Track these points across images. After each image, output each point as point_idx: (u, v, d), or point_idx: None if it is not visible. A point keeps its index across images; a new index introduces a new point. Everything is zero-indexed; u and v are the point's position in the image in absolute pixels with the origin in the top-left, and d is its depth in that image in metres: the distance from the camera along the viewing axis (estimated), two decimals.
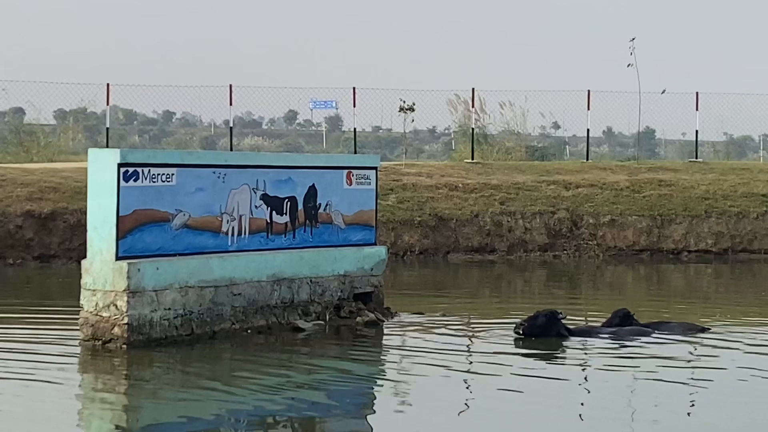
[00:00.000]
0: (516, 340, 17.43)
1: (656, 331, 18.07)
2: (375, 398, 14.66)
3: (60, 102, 38.99)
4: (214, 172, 17.85)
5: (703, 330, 18.47)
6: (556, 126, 42.46)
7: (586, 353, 16.92)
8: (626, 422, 12.80)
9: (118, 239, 16.30)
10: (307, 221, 19.14)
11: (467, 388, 14.75)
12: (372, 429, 12.87)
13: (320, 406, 13.68)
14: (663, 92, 41.34)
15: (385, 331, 18.92)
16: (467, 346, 17.99)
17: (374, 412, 13.67)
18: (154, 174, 16.80)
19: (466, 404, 13.86)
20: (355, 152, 35.04)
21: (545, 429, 12.58)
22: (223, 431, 12.53)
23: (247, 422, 12.81)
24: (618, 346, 17.21)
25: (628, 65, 41.81)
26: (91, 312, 16.54)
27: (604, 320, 18.69)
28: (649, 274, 28.61)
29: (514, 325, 17.84)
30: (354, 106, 37.00)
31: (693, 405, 13.79)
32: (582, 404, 13.90)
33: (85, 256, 16.85)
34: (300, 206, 19.03)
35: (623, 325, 18.21)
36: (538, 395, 14.27)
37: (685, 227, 31.52)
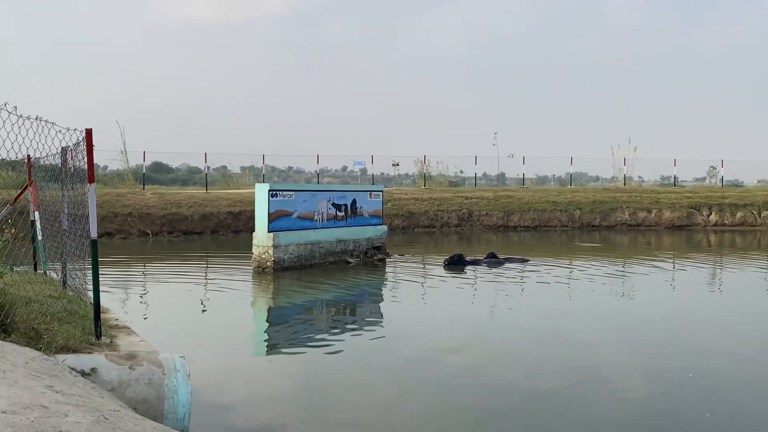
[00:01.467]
0: (444, 266, 17.36)
1: (507, 261, 18.01)
2: (382, 291, 14.69)
3: (242, 162, 39.38)
4: (311, 193, 18.05)
5: (527, 261, 18.42)
6: (462, 171, 43.01)
7: (474, 271, 16.65)
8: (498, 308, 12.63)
9: (269, 222, 16.62)
10: (352, 214, 19.19)
11: (421, 288, 14.63)
12: (382, 305, 13.16)
13: (357, 296, 13.86)
14: (511, 156, 42.33)
15: (387, 262, 18.85)
16: (423, 270, 17.68)
17: (383, 300, 13.64)
18: (284, 194, 17.04)
19: (422, 296, 13.83)
20: (373, 183, 35.62)
21: (462, 305, 12.56)
22: (315, 309, 12.35)
23: (325, 304, 12.77)
24: (488, 269, 17.01)
25: (494, 144, 43.29)
26: (257, 255, 16.81)
27: (483, 256, 18.49)
28: (503, 237, 27.71)
29: (443, 260, 17.90)
30: (372, 164, 37.27)
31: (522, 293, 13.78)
32: (474, 291, 14.02)
33: (254, 231, 17.07)
34: (349, 208, 19.12)
35: (492, 258, 18.18)
36: (448, 288, 14.31)
37: (519, 215, 31.18)
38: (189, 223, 27.43)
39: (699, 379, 7.83)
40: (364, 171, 41.16)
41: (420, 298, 13.54)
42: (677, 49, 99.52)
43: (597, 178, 48.39)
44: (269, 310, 12.71)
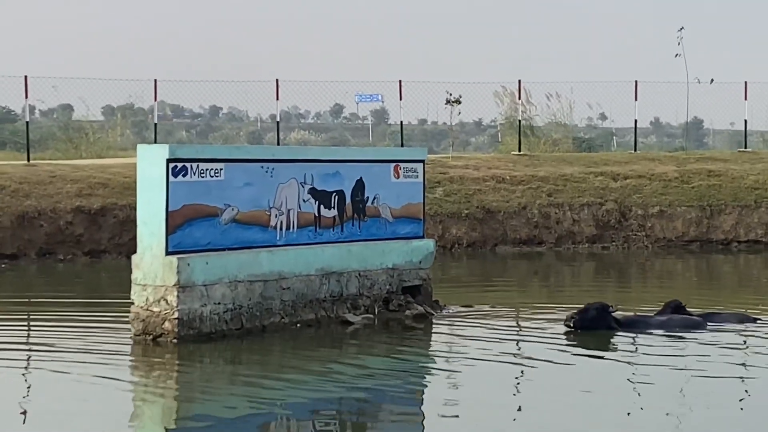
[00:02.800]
0: (567, 333, 17.43)
1: (708, 322, 17.96)
2: (424, 393, 14.68)
3: (108, 98, 39.42)
4: (262, 167, 17.96)
5: (755, 320, 18.35)
6: (603, 117, 42.38)
7: (635, 344, 16.77)
8: (675, 421, 12.64)
9: (167, 234, 16.43)
10: (355, 215, 19.15)
11: (517, 383, 14.74)
12: (423, 429, 12.89)
13: (370, 403, 13.75)
14: (711, 82, 41.11)
15: (434, 323, 18.91)
16: (517, 339, 17.97)
17: (423, 408, 13.70)
18: (202, 169, 16.91)
19: (515, 399, 13.86)
20: (402, 145, 35.09)
21: (593, 424, 12.54)
22: (273, 426, 12.54)
23: (297, 417, 12.79)
24: (669, 339, 17.06)
25: (676, 55, 41.66)
26: (141, 307, 16.69)
27: (654, 312, 18.55)
28: (699, 265, 28.52)
29: (565, 318, 17.82)
30: (400, 99, 37.07)
31: (743, 399, 13.69)
32: (633, 401, 13.77)
33: (135, 252, 16.95)
34: (348, 200, 19.05)
35: (675, 313, 18.15)
36: (587, 389, 14.25)
37: (734, 217, 31.37)
38: None
39: None
40: (380, 116, 40.55)
41: (508, 412, 13.16)
42: None
43: None
44: None
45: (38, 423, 12.95)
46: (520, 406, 13.47)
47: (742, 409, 13.13)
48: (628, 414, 12.93)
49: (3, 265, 26.60)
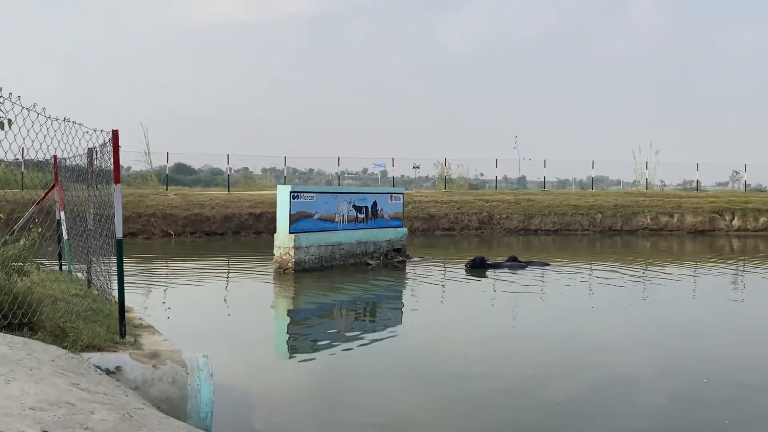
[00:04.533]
0: (465, 270, 17.28)
1: (528, 265, 17.87)
2: (402, 294, 14.77)
3: (264, 164, 39.53)
4: (332, 195, 18.08)
5: (548, 264, 18.20)
6: (482, 174, 42.94)
7: (496, 274, 16.57)
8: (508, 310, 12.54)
9: (290, 224, 16.62)
10: (372, 216, 19.18)
11: (443, 291, 14.67)
12: (402, 312, 13.03)
13: (378, 298, 13.98)
14: (529, 159, 42.26)
15: (408, 264, 18.76)
16: (444, 273, 17.60)
17: (403, 303, 13.69)
18: (305, 196, 17.05)
19: (444, 297, 13.96)
20: (393, 186, 35.62)
21: (477, 310, 12.55)
22: (335, 310, 12.48)
23: (346, 307, 12.82)
24: (510, 272, 16.88)
25: (514, 147, 43.32)
26: (278, 256, 16.84)
27: (504, 259, 18.34)
28: (524, 241, 27.62)
29: (465, 263, 17.81)
30: (393, 166, 37.02)
31: (543, 301, 13.52)
32: (494, 295, 13.97)
33: (275, 232, 17.09)
34: (369, 210, 19.09)
35: (514, 261, 18.10)
36: (471, 293, 14.33)
37: (539, 219, 30.98)
38: (211, 224, 27.64)
39: (715, 386, 7.74)
40: (384, 173, 41.12)
41: (441, 301, 13.62)
42: (699, 52, 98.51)
43: (618, 182, 47.90)
44: (290, 311, 12.78)
45: (231, 301, 13.23)
46: (442, 299, 13.75)
47: (542, 304, 13.04)
48: (492, 304, 13.09)
49: (217, 238, 26.45)
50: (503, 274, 16.72)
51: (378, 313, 12.47)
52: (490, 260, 17.99)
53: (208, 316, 11.44)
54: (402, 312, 12.57)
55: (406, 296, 14.36)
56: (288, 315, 12.32)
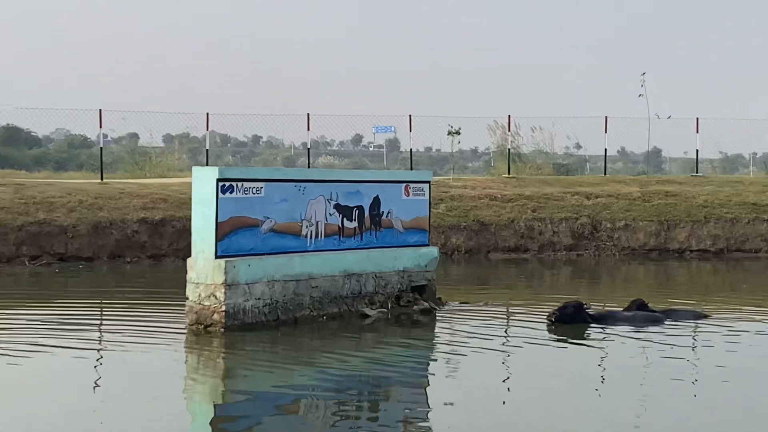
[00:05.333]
0: (548, 326, 17.40)
1: (668, 318, 17.95)
2: (430, 373, 14.78)
3: (167, 128, 39.65)
4: (295, 186, 17.94)
5: (706, 316, 18.39)
6: (579, 146, 42.48)
7: (604, 334, 16.82)
8: (640, 402, 12.68)
9: (217, 241, 16.42)
10: (372, 226, 19.07)
11: (506, 366, 14.82)
12: (429, 406, 12.89)
13: (384, 380, 13.90)
14: (668, 118, 41.31)
15: (437, 317, 18.82)
16: (506, 332, 17.89)
17: (428, 384, 13.79)
18: (246, 187, 16.95)
19: (505, 380, 13.92)
20: (411, 169, 35.13)
21: (567, 403, 12.61)
22: (302, 403, 12.56)
23: (323, 394, 12.92)
24: (633, 331, 17.04)
25: (639, 95, 41.91)
26: (195, 302, 16.72)
27: (622, 309, 18.51)
28: (658, 270, 28.49)
29: (547, 314, 17.81)
30: (410, 131, 37.07)
31: (696, 381, 13.78)
32: (601, 381, 14.00)
33: (189, 256, 17.01)
34: (366, 213, 18.99)
35: (640, 310, 18.13)
36: (565, 373, 14.36)
37: (687, 230, 31.24)
38: (69, 241, 27.88)
39: None
40: (393, 144, 40.49)
41: (500, 390, 13.28)
42: None
43: None
44: (216, 407, 12.75)
45: (108, 394, 13.08)
46: (509, 388, 13.51)
47: (695, 395, 13.14)
48: (597, 391, 13.06)
49: (80, 266, 26.79)
50: (621, 333, 16.92)
51: (380, 416, 12.18)
52: (594, 309, 18.25)
53: (67, 417, 11.47)
54: (427, 412, 12.29)
55: (435, 381, 14.08)
56: (209, 419, 12.22)
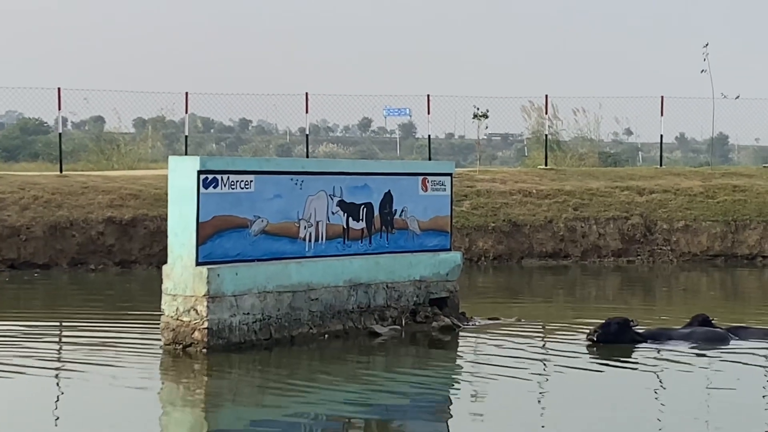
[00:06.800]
0: (589, 346, 17.52)
1: (734, 336, 17.94)
2: (451, 404, 14.74)
3: (139, 110, 39.72)
4: (291, 179, 18.00)
5: None
6: (629, 132, 42.57)
7: (659, 356, 16.84)
8: None
9: (198, 245, 16.49)
10: (383, 227, 19.21)
11: (542, 398, 14.85)
12: None
13: (397, 412, 13.81)
14: (737, 98, 41.16)
15: (461, 336, 18.95)
16: (542, 353, 17.96)
17: (451, 416, 13.71)
18: (232, 181, 17.01)
19: (541, 413, 13.96)
20: (430, 159, 35.23)
21: None
22: None
23: (324, 427, 13.00)
24: (694, 351, 17.12)
25: (702, 71, 41.67)
26: (171, 317, 16.79)
27: (682, 326, 18.55)
28: (724, 280, 28.54)
29: (588, 332, 17.93)
30: (428, 114, 37.27)
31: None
32: (660, 410, 13.88)
33: (165, 262, 17.10)
34: (376, 212, 19.12)
35: (701, 326, 18.19)
36: (611, 402, 14.30)
37: (759, 232, 31.35)
38: (22, 245, 28.24)
39: None
40: (408, 130, 40.49)
41: (534, 420, 13.38)
42: None
43: None
44: None
45: (70, 428, 13.10)
46: (543, 425, 13.42)
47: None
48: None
49: (35, 275, 26.89)
50: (676, 355, 16.98)
51: None
52: (643, 327, 18.38)
53: None
54: None
55: (458, 412, 14.09)
56: None
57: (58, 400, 14.69)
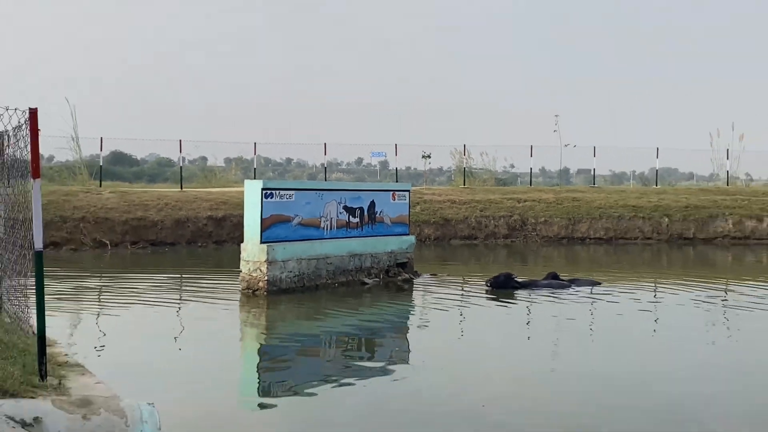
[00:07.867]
0: (486, 290, 17.54)
1: (572, 285, 18.06)
2: (409, 321, 15.03)
3: (227, 152, 39.54)
4: (316, 193, 18.12)
5: (599, 283, 18.39)
6: (512, 166, 42.99)
7: (529, 296, 16.83)
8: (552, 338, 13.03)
9: (261, 231, 16.68)
10: (370, 221, 19.28)
11: (463, 318, 14.93)
12: (408, 341, 13.24)
13: (376, 328, 14.12)
14: (574, 146, 41.67)
15: (415, 283, 18.92)
16: (462, 294, 18.12)
17: (408, 334, 13.85)
18: (282, 194, 17.13)
19: (461, 328, 14.14)
20: (397, 181, 35.42)
21: (507, 341, 12.87)
22: (320, 345, 12.68)
23: (334, 339, 13.04)
24: (549, 293, 17.12)
25: (554, 131, 42.78)
26: (246, 273, 16.94)
27: (541, 277, 18.60)
28: (567, 252, 28.17)
29: (485, 281, 18.00)
30: (396, 155, 36.88)
31: (592, 325, 14.09)
32: (527, 324, 14.32)
33: (243, 241, 17.14)
34: (365, 212, 19.19)
35: (553, 279, 18.31)
36: (501, 323, 14.54)
37: (587, 224, 31.28)
38: (158, 231, 27.84)
39: None
40: (385, 164, 41.02)
41: (456, 332, 13.77)
42: None
43: (691, 176, 47.83)
44: (261, 345, 12.86)
45: (189, 329, 13.38)
46: (462, 331, 13.83)
47: (591, 336, 13.37)
48: (528, 338, 13.39)
49: (166, 249, 26.67)
50: (539, 296, 16.92)
51: (376, 349, 12.61)
52: (521, 278, 18.21)
53: (153, 352, 11.47)
54: (407, 347, 12.68)
55: (413, 326, 14.49)
56: (257, 351, 12.37)
57: (178, 315, 14.83)
